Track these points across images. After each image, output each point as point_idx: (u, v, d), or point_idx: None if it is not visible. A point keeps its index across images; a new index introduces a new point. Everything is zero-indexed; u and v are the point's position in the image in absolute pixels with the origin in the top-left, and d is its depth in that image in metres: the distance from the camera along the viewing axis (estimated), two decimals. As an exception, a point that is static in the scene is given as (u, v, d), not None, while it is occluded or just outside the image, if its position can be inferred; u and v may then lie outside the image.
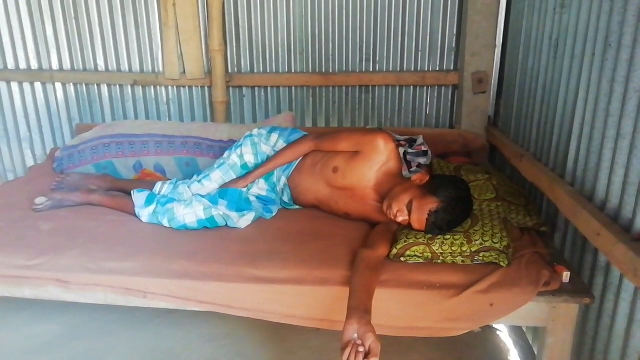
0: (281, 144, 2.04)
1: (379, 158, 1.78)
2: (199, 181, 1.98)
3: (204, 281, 1.54)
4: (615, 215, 1.39)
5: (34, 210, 1.96)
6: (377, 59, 2.75)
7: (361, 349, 1.14)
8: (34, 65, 2.92)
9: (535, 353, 1.73)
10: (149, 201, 1.87)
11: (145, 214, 1.86)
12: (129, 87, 2.90)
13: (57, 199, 2.00)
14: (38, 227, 1.82)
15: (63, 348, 1.97)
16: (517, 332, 1.99)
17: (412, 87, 2.78)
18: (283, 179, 1.98)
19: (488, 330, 2.08)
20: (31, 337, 2.03)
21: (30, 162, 3.08)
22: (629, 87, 1.33)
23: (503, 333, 2.07)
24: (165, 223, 1.82)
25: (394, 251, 1.56)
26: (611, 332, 1.41)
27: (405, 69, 2.76)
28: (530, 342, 1.90)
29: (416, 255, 1.55)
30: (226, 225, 1.83)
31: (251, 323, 2.07)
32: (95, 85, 2.92)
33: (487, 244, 1.52)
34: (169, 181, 2.03)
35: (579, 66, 1.63)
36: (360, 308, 1.26)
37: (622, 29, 1.35)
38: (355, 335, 1.19)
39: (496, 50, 2.57)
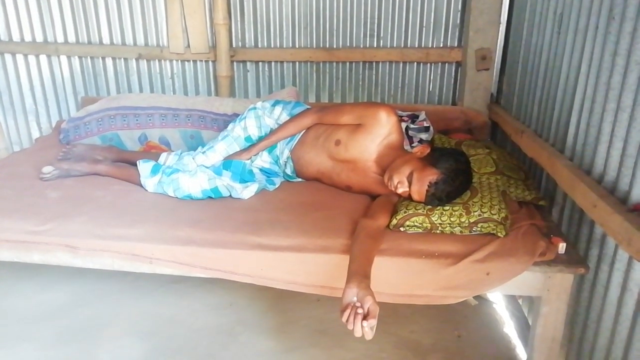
0: (284, 117, 2.05)
1: (381, 131, 1.80)
2: (204, 152, 2.01)
3: (208, 247, 1.58)
4: (612, 188, 1.42)
5: (41, 179, 2.00)
6: (381, 35, 2.75)
7: (360, 311, 1.18)
8: (39, 37, 2.93)
9: (530, 324, 1.77)
10: (154, 171, 1.90)
11: (150, 183, 1.89)
12: (134, 60, 2.90)
13: (64, 168, 2.03)
14: (46, 195, 1.86)
15: (70, 314, 2.03)
16: (513, 304, 2.04)
17: (415, 63, 2.77)
18: (286, 152, 2.01)
19: (484, 303, 2.12)
20: (39, 303, 2.09)
21: (35, 135, 3.11)
22: (630, 60, 1.34)
23: (499, 305, 2.12)
24: (171, 193, 1.85)
25: (394, 221, 1.60)
26: (604, 301, 1.44)
27: (409, 45, 2.75)
28: (526, 314, 1.94)
29: (415, 226, 1.58)
30: (230, 195, 1.86)
31: (253, 293, 2.13)
32: (100, 58, 2.93)
33: (486, 215, 1.55)
34: (174, 152, 2.06)
35: (582, 40, 1.64)
36: (359, 273, 1.30)
37: (626, 0, 1.36)
38: (355, 298, 1.22)
39: (500, 27, 2.56)
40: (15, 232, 1.67)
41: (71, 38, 2.91)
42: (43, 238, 1.64)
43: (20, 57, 2.98)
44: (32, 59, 2.98)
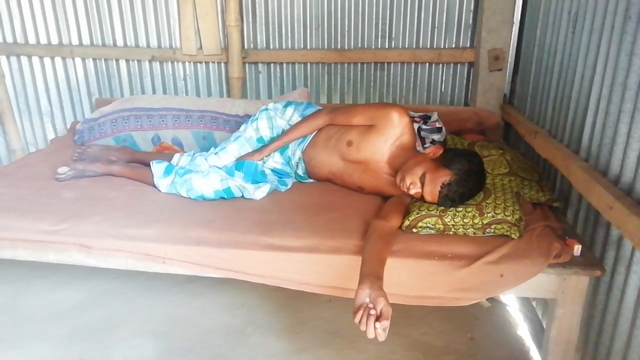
0: (296, 118, 2.06)
1: (393, 132, 1.79)
2: (216, 153, 2.02)
3: (221, 248, 1.58)
4: (629, 189, 1.39)
5: (56, 179, 2.02)
6: (393, 36, 2.74)
7: (373, 312, 1.17)
8: (54, 40, 2.97)
9: (544, 327, 1.75)
10: (167, 172, 1.92)
11: (163, 184, 1.90)
12: (147, 62, 2.93)
13: (78, 169, 2.06)
14: (61, 195, 1.88)
15: (84, 313, 2.05)
16: (527, 306, 2.02)
17: (427, 64, 2.76)
18: (298, 153, 2.01)
19: (497, 305, 2.11)
20: (54, 302, 2.12)
21: (51, 136, 3.14)
22: (647, 60, 1.33)
23: (512, 308, 2.10)
24: (184, 193, 1.86)
25: (406, 222, 1.59)
26: (621, 304, 1.42)
27: (420, 46, 2.74)
28: (540, 317, 1.92)
29: (428, 227, 1.57)
30: (242, 196, 1.87)
31: (265, 294, 2.14)
32: (114, 60, 2.96)
33: (499, 217, 1.53)
34: (187, 153, 2.07)
35: (597, 40, 1.62)
36: (372, 274, 1.29)
37: (642, 0, 1.34)
38: (367, 299, 1.22)
39: (514, 27, 2.54)
40: (31, 231, 1.69)
41: (86, 40, 2.95)
42: (58, 238, 1.66)
43: (35, 60, 3.02)
44: (47, 61, 3.02)
